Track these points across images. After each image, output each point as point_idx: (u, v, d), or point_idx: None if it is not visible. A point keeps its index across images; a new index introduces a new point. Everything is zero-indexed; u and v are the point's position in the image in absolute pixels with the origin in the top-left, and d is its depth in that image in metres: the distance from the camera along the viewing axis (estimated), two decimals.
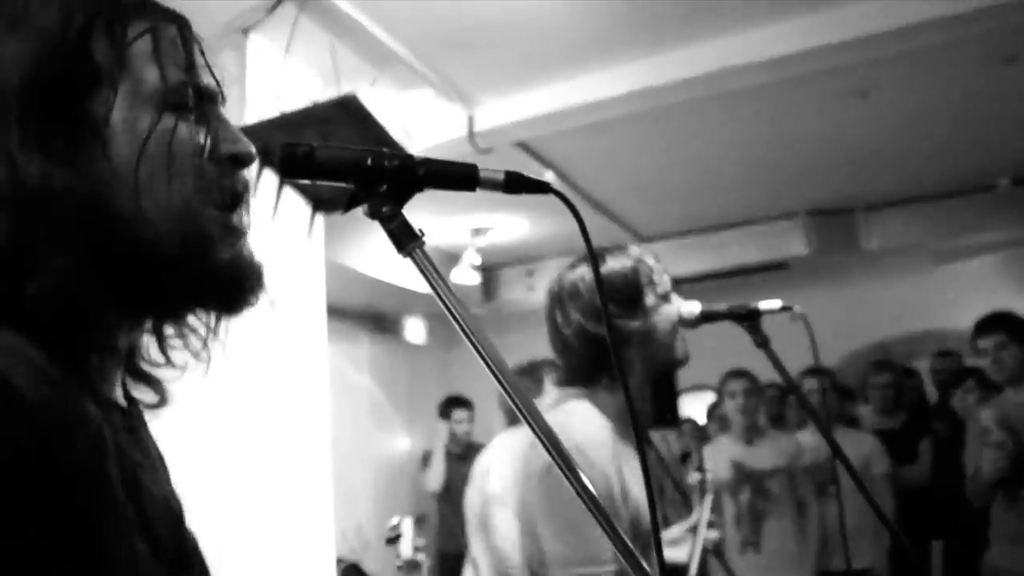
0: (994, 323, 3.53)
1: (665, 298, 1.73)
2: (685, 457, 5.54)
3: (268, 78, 2.90)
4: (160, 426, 0.80)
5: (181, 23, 0.74)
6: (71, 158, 0.64)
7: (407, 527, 1.63)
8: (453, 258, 5.61)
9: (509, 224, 5.57)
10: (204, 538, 0.77)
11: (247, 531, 2.63)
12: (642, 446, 0.97)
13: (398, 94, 3.48)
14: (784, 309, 1.87)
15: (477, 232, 5.54)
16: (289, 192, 2.93)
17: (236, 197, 0.75)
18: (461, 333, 0.82)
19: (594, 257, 0.95)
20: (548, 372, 3.15)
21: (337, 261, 4.66)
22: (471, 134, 3.66)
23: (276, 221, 2.83)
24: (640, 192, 5.21)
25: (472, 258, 5.51)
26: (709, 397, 6.81)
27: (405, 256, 0.83)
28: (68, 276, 0.63)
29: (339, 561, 3.81)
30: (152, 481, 0.70)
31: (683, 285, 6.20)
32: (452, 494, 5.54)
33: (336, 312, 3.27)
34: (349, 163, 0.83)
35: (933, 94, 3.93)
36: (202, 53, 0.76)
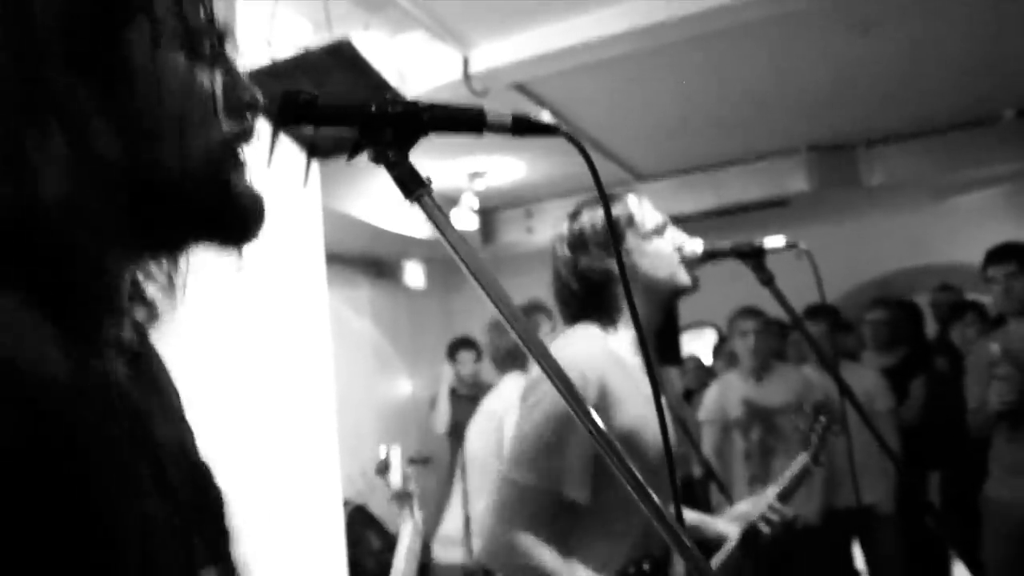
0: (1007, 253, 3.52)
1: (647, 236, 1.79)
2: (688, 394, 5.58)
3: (258, 24, 2.84)
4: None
5: None
6: (97, 107, 0.62)
7: (395, 456, 1.64)
8: (451, 202, 5.58)
9: (506, 167, 5.53)
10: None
11: (255, 477, 2.66)
12: (655, 380, 0.97)
13: (391, 37, 3.41)
14: (789, 247, 1.86)
15: (474, 176, 5.50)
16: (284, 140, 2.88)
17: (246, 142, 0.74)
18: (470, 277, 0.81)
19: (604, 195, 0.94)
20: (544, 316, 3.15)
21: (334, 208, 4.63)
22: (466, 76, 3.61)
23: (272, 169, 2.80)
24: (639, 131, 5.16)
25: (470, 202, 5.47)
26: (711, 334, 6.86)
27: (412, 202, 0.82)
28: (96, 237, 0.62)
29: (346, 503, 3.87)
30: (164, 422, 0.70)
31: (683, 224, 6.17)
32: (460, 434, 5.58)
33: (335, 258, 3.26)
34: (352, 109, 0.82)
35: (935, 27, 3.86)
36: None
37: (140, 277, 0.73)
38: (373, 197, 5.15)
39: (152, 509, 0.61)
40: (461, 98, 3.68)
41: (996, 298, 3.55)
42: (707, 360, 6.05)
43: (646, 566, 1.66)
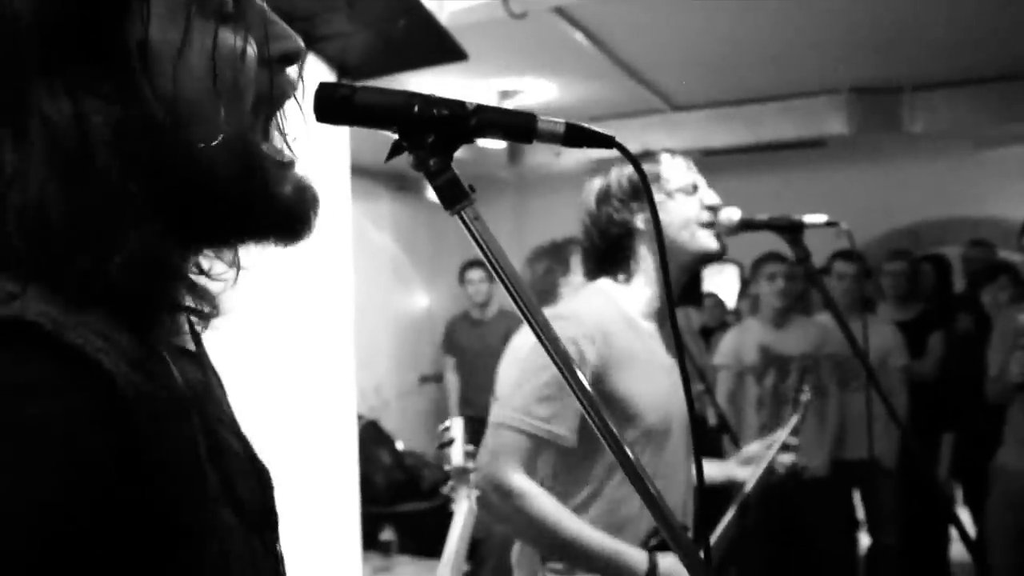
0: None
1: (671, 194, 1.77)
2: (706, 332, 5.55)
3: None
4: None
5: None
6: (111, 93, 0.56)
7: (458, 430, 1.62)
8: None
9: (538, 88, 5.38)
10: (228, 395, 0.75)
11: (269, 389, 2.67)
12: (681, 349, 0.93)
13: None
14: (829, 224, 1.80)
15: (505, 95, 5.36)
16: (312, 60, 2.80)
17: (286, 96, 0.70)
18: (509, 296, 0.77)
19: (651, 201, 0.88)
20: (574, 252, 3.08)
21: None
22: None
23: (300, 89, 2.73)
24: (676, 60, 5.00)
25: None
26: (732, 271, 6.79)
27: (453, 214, 0.77)
28: (145, 235, 0.57)
29: (359, 418, 3.90)
30: (226, 428, 0.68)
31: (714, 157, 6.07)
32: (468, 360, 5.62)
33: (357, 171, 3.18)
34: (394, 109, 0.76)
35: None
36: None
37: (195, 271, 0.69)
38: None
39: (226, 518, 0.61)
40: (499, 20, 3.56)
41: None
42: (728, 300, 6.00)
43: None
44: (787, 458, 2.12)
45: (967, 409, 4.11)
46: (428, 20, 2.67)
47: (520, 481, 1.59)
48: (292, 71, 0.70)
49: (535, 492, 1.59)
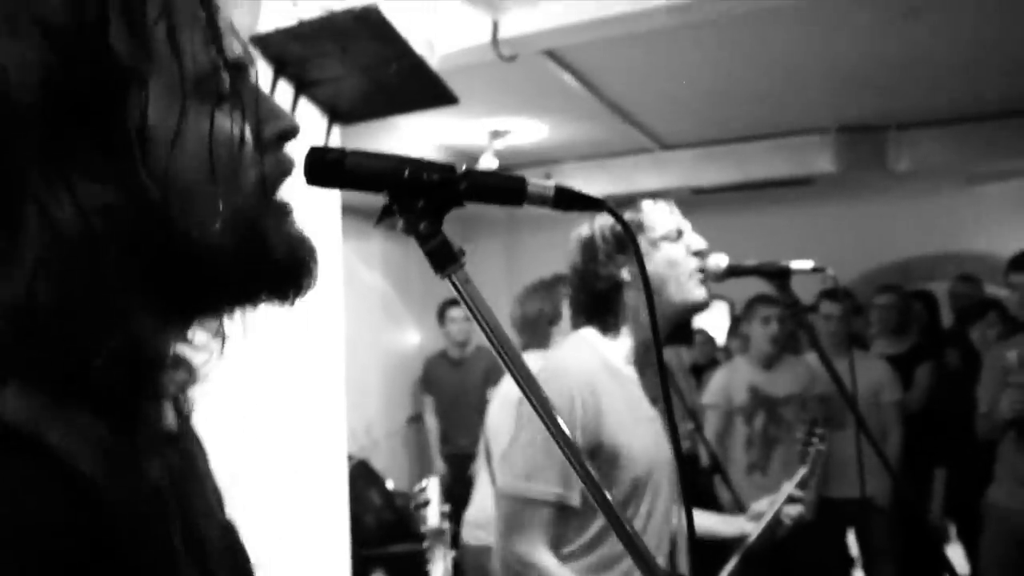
0: None
1: (655, 243, 1.77)
2: (696, 369, 5.56)
3: None
4: None
5: None
6: (109, 180, 0.55)
7: (434, 491, 1.62)
8: (470, 160, 5.50)
9: (528, 127, 5.43)
10: (216, 434, 0.74)
11: (260, 429, 2.65)
12: (669, 402, 0.94)
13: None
14: (816, 270, 1.81)
15: (496, 135, 5.41)
16: (304, 104, 2.83)
17: (284, 177, 0.69)
18: (502, 363, 0.78)
19: (644, 270, 0.88)
20: (564, 293, 3.08)
21: None
22: (495, 41, 3.51)
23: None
24: (665, 100, 5.04)
25: (489, 161, 5.39)
26: (721, 307, 6.81)
27: (443, 278, 0.77)
28: (136, 328, 0.57)
29: (349, 458, 3.87)
30: (204, 512, 0.68)
31: (703, 195, 6.08)
32: (447, 399, 5.61)
33: (348, 210, 3.20)
34: (384, 174, 0.76)
35: (982, 17, 3.73)
36: (220, 12, 0.64)
37: (180, 342, 0.68)
38: (390, 151, 5.08)
39: None
40: (489, 63, 3.59)
41: (1015, 306, 3.54)
42: (718, 337, 6.01)
43: None
44: (793, 510, 2.08)
45: (958, 445, 4.12)
46: (419, 65, 2.69)
47: (539, 556, 1.60)
48: (289, 149, 0.70)
49: (553, 566, 1.60)
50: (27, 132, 0.53)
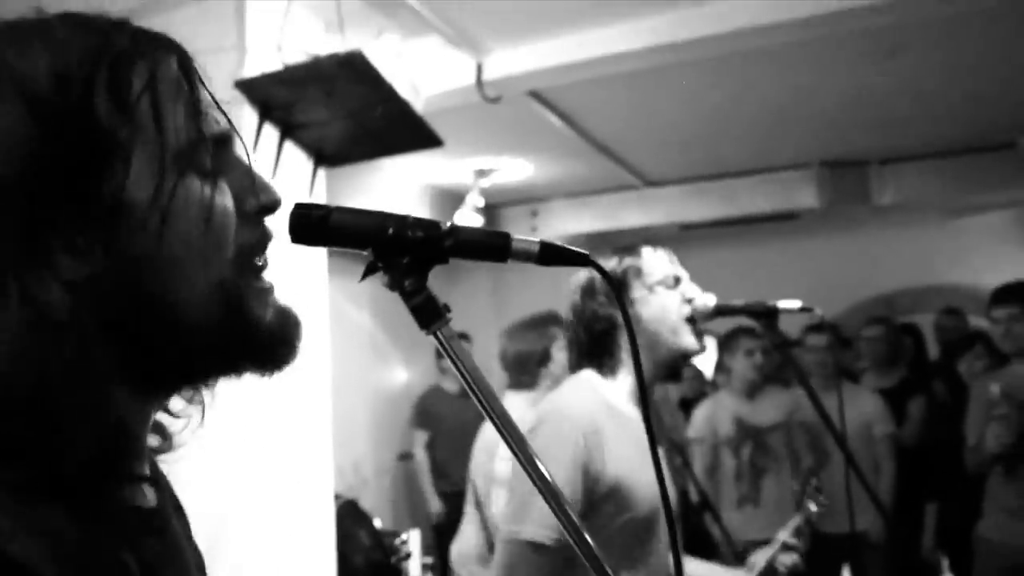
0: (1010, 294, 3.52)
1: (653, 288, 1.79)
2: (684, 404, 5.55)
3: (269, 26, 2.77)
4: None
5: (180, 53, 0.63)
6: (91, 254, 0.55)
7: (415, 543, 1.59)
8: (456, 199, 5.51)
9: (513, 166, 5.46)
10: (204, 474, 0.73)
11: (247, 469, 2.63)
12: (653, 439, 0.94)
13: (404, 41, 3.34)
14: (804, 310, 1.82)
15: (481, 173, 5.43)
16: (290, 147, 2.84)
17: (264, 248, 0.69)
18: (486, 415, 0.77)
19: (627, 315, 0.89)
20: (554, 331, 3.07)
21: (337, 203, 4.56)
22: (480, 82, 3.54)
23: (277, 175, 2.76)
24: (650, 139, 5.09)
25: (475, 201, 5.41)
26: (710, 342, 6.81)
27: (428, 335, 0.77)
28: (115, 412, 0.56)
29: (336, 497, 3.83)
30: None
31: (690, 231, 6.11)
32: (446, 433, 5.54)
33: (335, 251, 3.21)
34: (368, 231, 0.76)
35: (960, 54, 3.80)
36: (203, 85, 0.65)
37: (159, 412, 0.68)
38: (375, 193, 5.09)
39: None
40: (473, 104, 3.62)
41: (998, 339, 3.55)
42: (706, 371, 6.01)
43: None
44: (788, 559, 2.09)
45: (949, 479, 4.11)
46: (404, 108, 2.71)
47: None
48: (270, 223, 0.70)
49: None
50: (9, 205, 0.52)
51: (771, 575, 2.05)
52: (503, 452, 2.64)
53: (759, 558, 2.09)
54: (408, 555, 1.58)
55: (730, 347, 4.25)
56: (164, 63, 0.61)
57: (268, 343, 0.66)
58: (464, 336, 5.61)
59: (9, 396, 0.51)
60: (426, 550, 1.60)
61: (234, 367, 0.65)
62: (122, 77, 0.57)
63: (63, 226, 0.54)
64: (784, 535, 2.12)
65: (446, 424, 5.57)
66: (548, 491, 0.76)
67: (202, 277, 0.60)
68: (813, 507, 2.25)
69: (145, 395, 0.62)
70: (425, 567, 1.58)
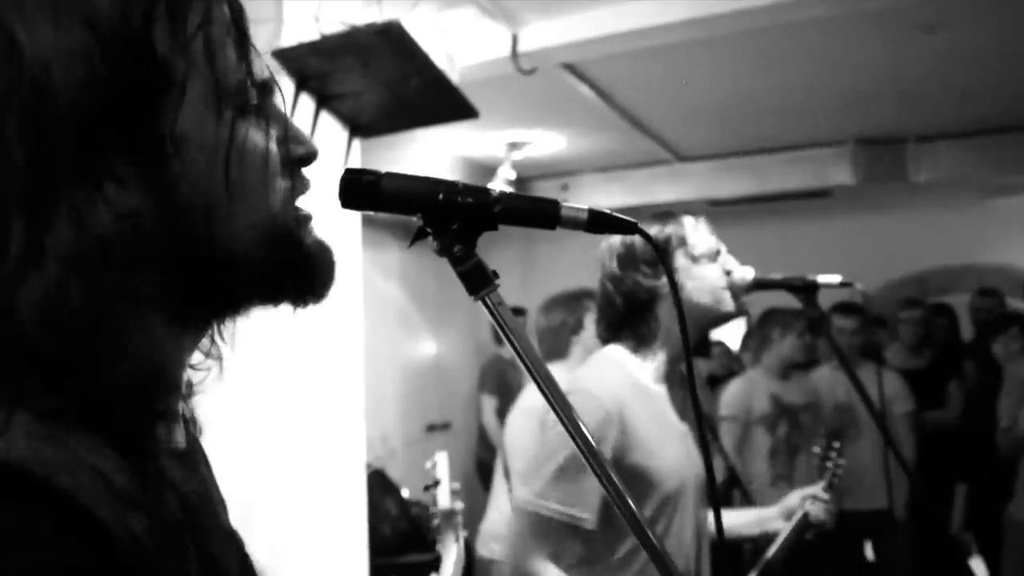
0: None
1: (698, 260, 1.75)
2: (712, 381, 5.53)
3: None
4: None
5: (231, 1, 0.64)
6: (140, 185, 0.55)
7: (443, 469, 1.56)
8: (488, 172, 5.51)
9: (546, 139, 5.45)
10: (236, 445, 0.74)
11: (280, 439, 2.66)
12: (700, 415, 0.95)
13: (440, 12, 3.33)
14: (844, 284, 1.80)
15: (514, 146, 5.43)
16: (325, 117, 2.85)
17: (302, 195, 0.70)
18: (533, 381, 0.78)
19: (674, 286, 0.89)
20: (587, 306, 3.08)
21: None
22: (515, 54, 3.52)
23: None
24: (683, 113, 5.06)
25: (507, 173, 5.40)
26: (738, 319, 6.78)
27: (476, 300, 0.78)
28: (157, 343, 0.57)
29: (366, 467, 3.87)
30: (225, 544, 0.67)
31: (721, 207, 6.07)
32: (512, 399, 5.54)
33: (366, 221, 3.21)
34: (418, 196, 0.77)
35: (1001, 31, 3.72)
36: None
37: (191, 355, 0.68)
38: (408, 164, 5.10)
39: None
40: (507, 76, 3.61)
41: None
42: (734, 346, 5.99)
43: None
44: (819, 509, 2.03)
45: (979, 460, 4.08)
46: (440, 79, 2.71)
47: (545, 569, 1.60)
48: (306, 179, 0.70)
49: None
50: (65, 128, 0.52)
51: (805, 528, 2.03)
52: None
53: (794, 499, 2.06)
54: (437, 482, 1.56)
55: (767, 325, 4.22)
56: (217, 4, 0.62)
57: (308, 269, 0.67)
58: (519, 311, 5.59)
59: (53, 319, 0.50)
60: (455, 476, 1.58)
61: (274, 294, 0.66)
62: (179, 11, 0.57)
63: (115, 155, 0.54)
64: (815, 489, 2.10)
65: (512, 392, 5.58)
66: (592, 458, 0.77)
67: (252, 214, 0.61)
68: (832, 463, 2.23)
69: (181, 326, 0.62)
70: (454, 493, 1.56)
